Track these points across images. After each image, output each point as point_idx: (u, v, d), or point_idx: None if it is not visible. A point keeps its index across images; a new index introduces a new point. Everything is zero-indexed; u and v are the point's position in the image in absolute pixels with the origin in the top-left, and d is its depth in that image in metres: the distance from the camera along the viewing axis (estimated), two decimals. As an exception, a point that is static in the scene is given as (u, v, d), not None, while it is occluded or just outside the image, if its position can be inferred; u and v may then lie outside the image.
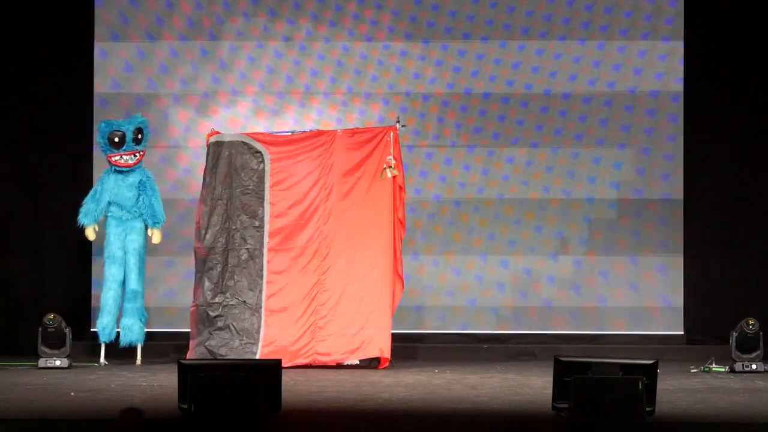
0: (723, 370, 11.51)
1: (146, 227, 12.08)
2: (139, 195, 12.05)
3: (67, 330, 11.64)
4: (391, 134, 11.86)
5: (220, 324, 11.74)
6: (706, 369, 11.54)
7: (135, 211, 12.06)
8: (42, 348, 11.58)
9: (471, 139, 13.16)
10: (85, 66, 13.12)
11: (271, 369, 8.46)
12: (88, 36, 13.13)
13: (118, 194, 12.04)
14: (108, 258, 12.04)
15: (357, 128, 12.31)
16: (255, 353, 11.58)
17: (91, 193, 12.14)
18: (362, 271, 11.81)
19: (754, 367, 11.44)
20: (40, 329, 11.63)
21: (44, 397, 9.51)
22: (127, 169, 12.05)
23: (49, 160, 13.12)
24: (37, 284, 13.06)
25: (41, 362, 11.49)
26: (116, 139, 12.00)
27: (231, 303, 11.79)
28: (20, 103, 13.08)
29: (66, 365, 11.47)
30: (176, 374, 8.39)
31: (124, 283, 12.04)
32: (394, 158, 11.77)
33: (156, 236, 12.08)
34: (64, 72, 13.11)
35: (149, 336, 12.76)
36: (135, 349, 12.01)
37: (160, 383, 10.28)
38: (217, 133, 12.10)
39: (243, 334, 11.69)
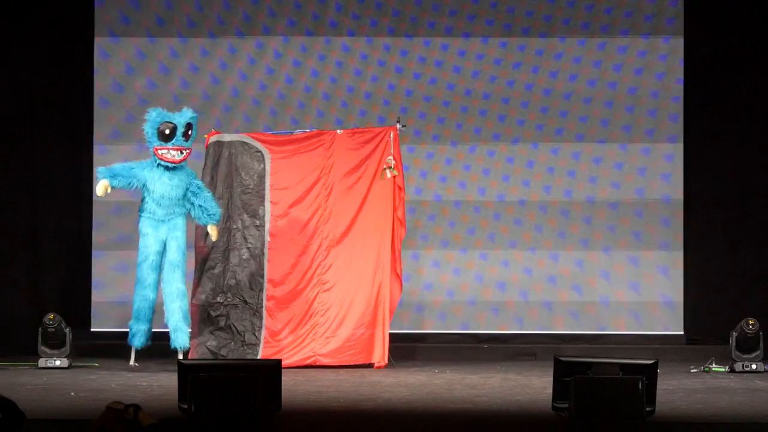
0: (723, 370, 11.51)
1: (185, 225, 11.44)
2: (186, 193, 11.32)
3: (67, 330, 11.64)
4: (391, 134, 11.87)
5: (221, 324, 11.74)
6: (706, 369, 11.54)
7: (178, 210, 11.38)
8: (42, 348, 11.58)
9: (471, 139, 13.16)
10: (85, 66, 13.12)
11: (271, 369, 8.46)
12: (88, 36, 13.13)
13: (161, 191, 11.32)
14: (144, 261, 11.40)
15: (357, 128, 12.32)
16: (256, 353, 11.58)
17: (126, 164, 11.38)
18: (362, 271, 11.82)
19: (754, 367, 11.44)
20: (40, 329, 11.63)
21: (44, 397, 9.51)
22: (173, 165, 11.28)
23: (49, 160, 13.11)
24: (36, 284, 13.06)
25: (41, 362, 11.49)
26: (167, 131, 11.20)
27: (232, 302, 11.80)
28: (20, 103, 13.07)
29: (66, 365, 11.46)
30: (176, 374, 8.39)
31: (157, 286, 11.41)
32: (394, 158, 11.78)
33: (215, 233, 11.47)
34: (64, 72, 13.12)
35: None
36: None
37: (160, 383, 10.27)
38: (218, 132, 12.10)
39: (244, 334, 11.69)
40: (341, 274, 11.83)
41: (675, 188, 13.10)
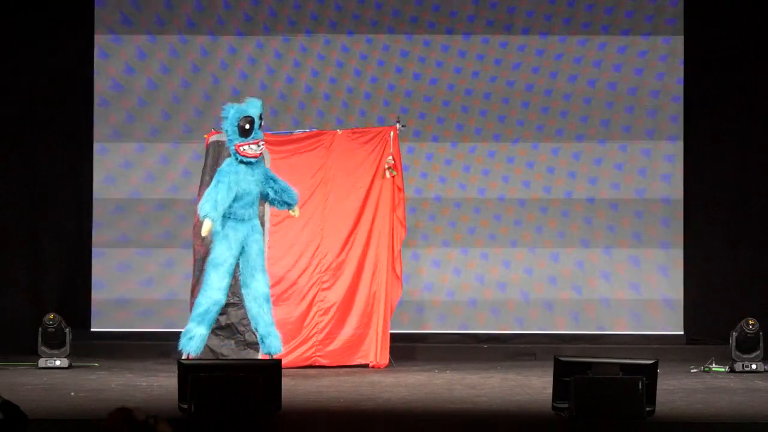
0: (723, 370, 11.51)
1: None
2: (265, 185, 10.78)
3: (67, 330, 11.64)
4: (391, 134, 11.87)
5: (221, 323, 11.74)
6: (706, 369, 11.54)
7: (256, 209, 10.80)
8: (42, 348, 11.58)
9: (471, 139, 13.16)
10: (85, 65, 13.12)
11: (271, 369, 8.46)
12: (88, 35, 13.13)
13: (246, 189, 10.64)
14: (222, 264, 10.63)
15: (357, 128, 12.32)
16: (256, 353, 11.58)
17: (220, 185, 10.54)
18: (362, 271, 11.82)
19: (754, 367, 11.44)
20: (40, 329, 11.63)
21: (44, 397, 9.51)
22: (254, 160, 10.66)
23: (49, 160, 13.11)
24: (36, 284, 13.06)
25: (41, 362, 11.48)
26: (247, 126, 10.57)
27: (232, 302, 11.78)
28: (20, 103, 13.07)
29: (66, 365, 11.46)
30: (176, 374, 8.39)
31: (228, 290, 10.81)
32: (394, 158, 11.78)
33: (297, 212, 10.99)
34: (64, 71, 13.11)
35: (149, 336, 12.80)
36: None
37: (160, 383, 10.27)
38: (217, 132, 12.08)
39: (244, 334, 11.69)
40: (341, 274, 11.83)
41: (675, 188, 13.10)
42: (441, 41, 13.16)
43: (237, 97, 13.07)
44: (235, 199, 10.57)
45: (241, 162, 10.64)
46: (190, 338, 10.63)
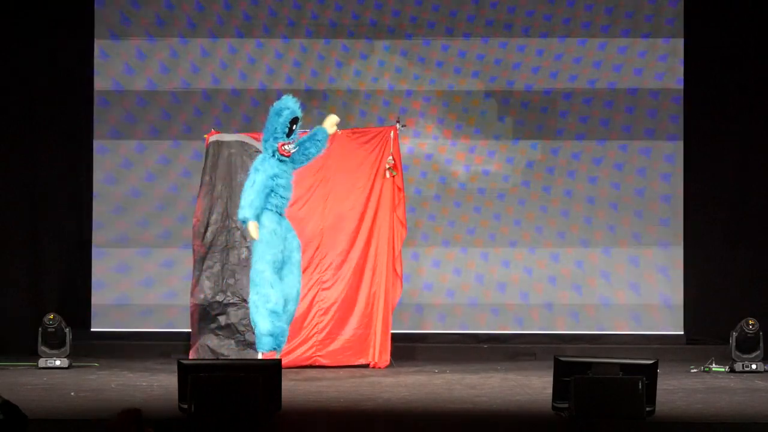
0: (723, 370, 11.51)
1: None
2: (300, 156, 10.84)
3: (67, 330, 11.64)
4: (391, 134, 11.86)
5: (221, 323, 11.74)
6: (706, 369, 11.54)
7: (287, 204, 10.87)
8: (42, 348, 11.58)
9: (471, 138, 13.16)
10: (85, 65, 13.12)
11: (271, 369, 8.46)
12: (88, 35, 13.13)
13: (283, 184, 10.72)
14: (272, 261, 10.63)
15: (357, 128, 12.31)
16: (256, 353, 11.57)
17: (256, 185, 10.60)
18: (362, 271, 11.82)
19: (754, 367, 11.44)
20: (40, 329, 11.63)
21: (44, 397, 9.51)
22: (288, 158, 10.79)
23: (49, 160, 13.11)
24: (36, 284, 13.06)
25: (41, 362, 11.49)
26: (294, 127, 10.74)
27: (232, 302, 11.79)
28: (20, 103, 13.08)
29: (66, 365, 11.46)
30: (176, 374, 8.39)
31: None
32: (394, 158, 11.77)
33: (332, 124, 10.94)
34: (65, 71, 13.12)
35: (149, 336, 12.80)
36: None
37: (160, 383, 10.27)
38: (217, 132, 12.09)
39: (244, 333, 11.69)
40: (341, 274, 11.83)
41: (675, 188, 13.10)
42: (441, 41, 13.16)
43: (237, 97, 13.11)
44: (273, 195, 10.65)
45: (278, 159, 10.73)
46: (276, 334, 10.61)
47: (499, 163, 13.17)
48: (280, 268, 10.71)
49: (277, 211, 10.70)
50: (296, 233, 10.97)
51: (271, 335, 10.58)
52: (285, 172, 10.74)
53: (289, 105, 10.75)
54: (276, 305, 10.57)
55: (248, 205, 10.53)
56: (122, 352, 12.52)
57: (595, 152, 13.14)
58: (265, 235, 10.61)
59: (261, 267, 10.65)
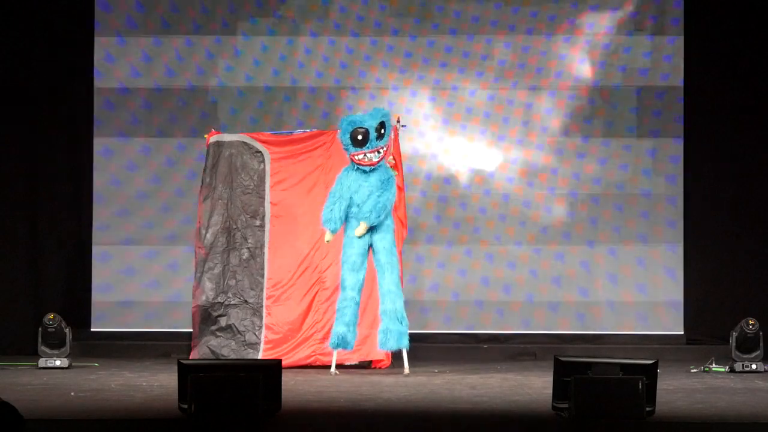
0: (723, 370, 11.50)
1: (393, 225, 11.25)
2: (376, 192, 11.09)
3: (67, 330, 11.63)
4: (392, 134, 11.85)
5: (222, 324, 11.74)
6: (706, 369, 11.53)
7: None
8: (42, 348, 11.58)
9: (475, 139, 13.16)
10: (87, 64, 13.12)
11: (271, 369, 8.46)
12: (89, 35, 13.13)
13: (358, 193, 11.07)
14: (345, 263, 11.12)
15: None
16: (256, 353, 11.58)
17: (330, 197, 11.16)
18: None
19: (754, 367, 11.43)
20: (40, 329, 11.62)
21: (44, 397, 9.50)
22: (370, 167, 11.08)
23: (49, 160, 13.11)
24: (36, 284, 13.06)
25: (41, 362, 11.48)
26: (359, 137, 10.98)
27: (233, 303, 11.80)
28: (20, 102, 13.07)
29: (66, 365, 11.46)
30: (176, 374, 8.39)
31: (359, 288, 11.17)
32: (394, 158, 11.76)
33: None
34: (65, 71, 13.11)
35: (149, 336, 12.80)
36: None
37: (160, 383, 10.27)
38: (218, 133, 12.10)
39: (245, 334, 11.69)
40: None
41: (675, 188, 13.10)
42: (444, 42, 13.16)
43: (241, 98, 13.11)
44: (352, 204, 11.06)
45: (358, 169, 11.08)
46: (338, 338, 11.13)
47: (503, 163, 13.16)
48: (358, 270, 11.13)
49: (356, 218, 11.05)
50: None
51: (335, 336, 11.17)
52: (364, 182, 11.06)
53: (348, 118, 11.18)
54: (340, 311, 11.14)
55: (325, 217, 11.10)
56: (122, 352, 12.53)
57: (599, 152, 13.13)
58: (346, 240, 11.14)
59: (342, 268, 11.20)
